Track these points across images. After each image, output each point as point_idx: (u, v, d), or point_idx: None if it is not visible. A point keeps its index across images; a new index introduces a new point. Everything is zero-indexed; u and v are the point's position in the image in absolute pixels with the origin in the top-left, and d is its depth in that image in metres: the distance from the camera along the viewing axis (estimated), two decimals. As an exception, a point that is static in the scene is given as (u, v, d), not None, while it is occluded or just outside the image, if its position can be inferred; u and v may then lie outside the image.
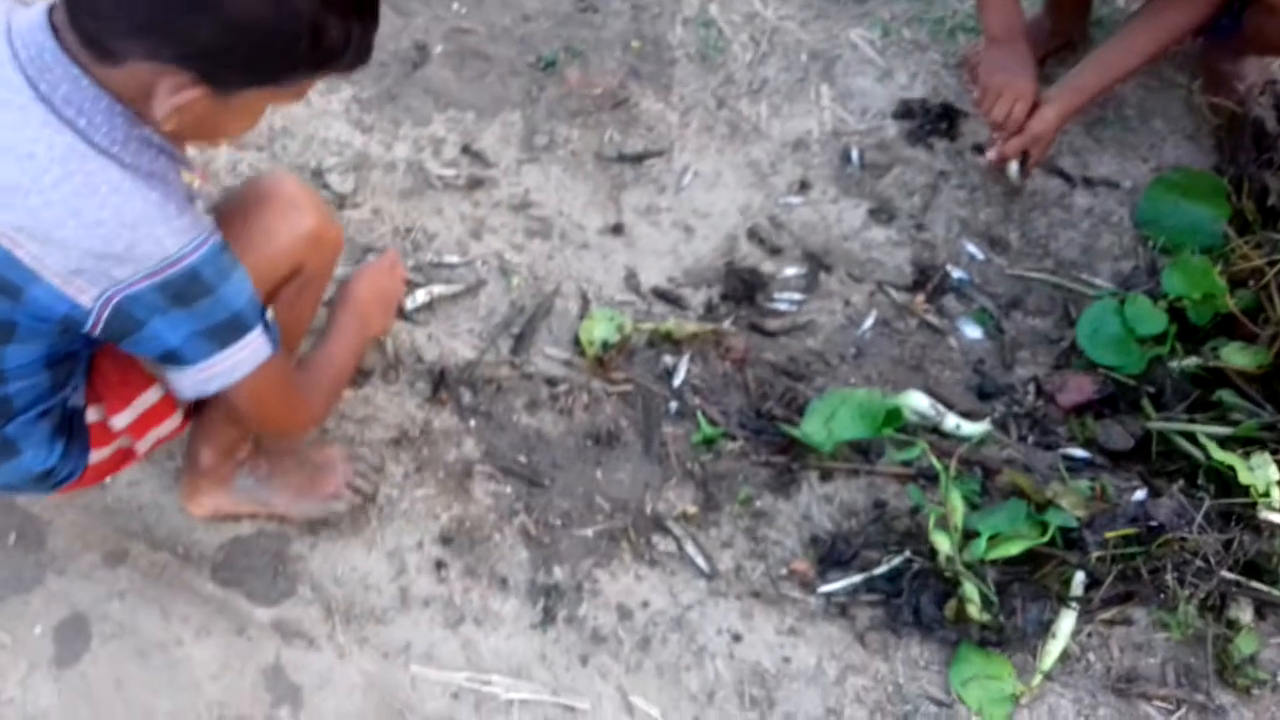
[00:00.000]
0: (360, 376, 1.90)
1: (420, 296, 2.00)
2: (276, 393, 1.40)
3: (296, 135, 2.25)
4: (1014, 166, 2.10)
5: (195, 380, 1.29)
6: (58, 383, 1.37)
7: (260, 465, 1.72)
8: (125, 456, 1.53)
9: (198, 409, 1.55)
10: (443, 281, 2.04)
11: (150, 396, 1.45)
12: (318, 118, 2.29)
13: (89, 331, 1.20)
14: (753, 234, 2.15)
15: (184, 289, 1.19)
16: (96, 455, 1.48)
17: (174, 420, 1.51)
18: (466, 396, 1.89)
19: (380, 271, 1.85)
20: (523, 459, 1.84)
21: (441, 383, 1.90)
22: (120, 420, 1.46)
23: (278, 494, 1.72)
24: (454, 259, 2.08)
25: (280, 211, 1.46)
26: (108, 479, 1.69)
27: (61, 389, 1.39)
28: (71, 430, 1.44)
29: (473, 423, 1.87)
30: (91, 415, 1.46)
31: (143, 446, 1.52)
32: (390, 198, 2.17)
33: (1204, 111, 2.19)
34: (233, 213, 1.42)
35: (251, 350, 1.29)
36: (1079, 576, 1.67)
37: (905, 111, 2.28)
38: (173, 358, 1.26)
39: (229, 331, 1.26)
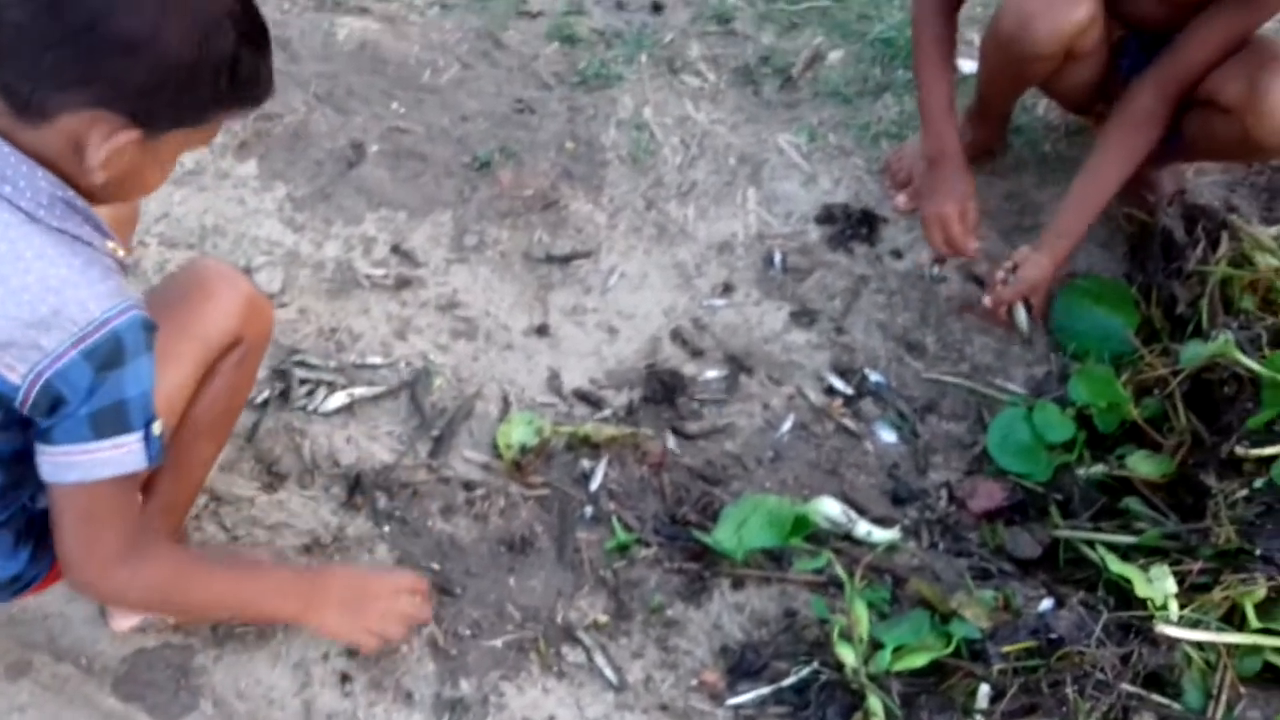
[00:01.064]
0: (275, 480, 1.90)
1: (340, 398, 2.01)
2: (115, 523, 1.32)
3: (228, 234, 2.28)
4: (1021, 316, 2.12)
5: (54, 463, 1.24)
6: (13, 482, 1.34)
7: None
8: None
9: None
10: (365, 383, 2.05)
11: None
12: (250, 216, 2.32)
13: (19, 409, 1.19)
14: (676, 336, 2.18)
15: (107, 356, 1.18)
16: None
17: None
18: (382, 501, 1.90)
19: (388, 583, 1.65)
20: (435, 566, 1.83)
21: (357, 487, 1.90)
22: None
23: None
24: (377, 360, 2.09)
25: (214, 285, 1.52)
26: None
27: (19, 489, 1.36)
28: (39, 535, 1.41)
29: (387, 529, 1.87)
30: None
31: None
32: (317, 297, 2.19)
33: (1118, 220, 2.25)
34: (167, 300, 1.46)
35: (126, 452, 1.25)
36: (984, 689, 1.67)
37: (828, 216, 2.33)
38: (46, 431, 1.23)
39: (110, 420, 1.22)
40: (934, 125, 2.09)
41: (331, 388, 2.02)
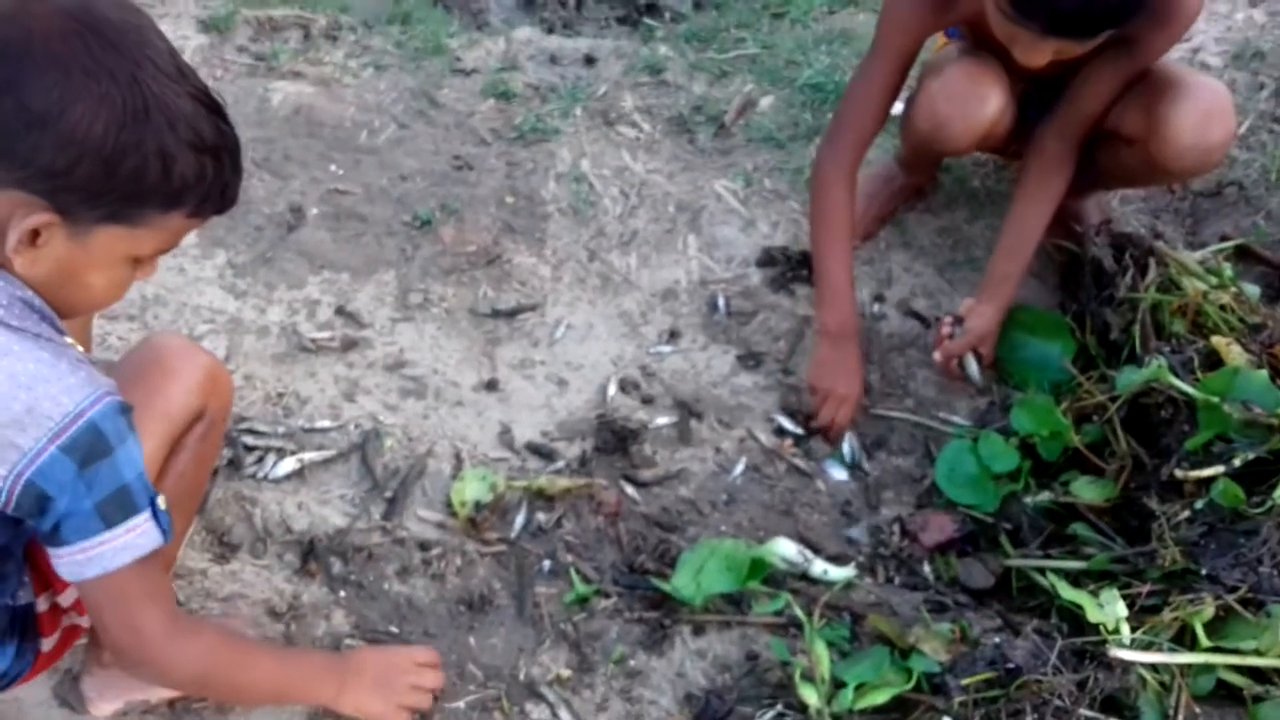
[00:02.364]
0: (228, 551, 1.88)
1: (290, 464, 1.99)
2: (152, 603, 1.32)
3: (169, 304, 2.26)
4: (973, 367, 2.15)
5: (72, 562, 1.24)
6: None
7: None
8: (72, 634, 1.50)
9: None
10: (314, 448, 2.03)
11: None
12: (191, 285, 2.30)
13: (2, 509, 1.18)
14: (625, 384, 2.20)
15: (88, 449, 1.17)
16: (48, 642, 1.44)
17: None
18: (337, 566, 1.88)
19: (406, 659, 1.68)
20: (394, 629, 1.82)
21: (311, 553, 1.88)
22: (68, 597, 1.43)
23: None
24: (326, 423, 2.08)
25: (173, 362, 1.51)
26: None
27: (2, 586, 1.35)
28: (23, 629, 1.39)
29: (343, 593, 1.85)
30: (41, 605, 1.42)
31: (88, 620, 1.47)
32: (263, 363, 2.17)
33: (1048, 251, 2.31)
34: (126, 380, 1.42)
35: (140, 534, 1.25)
36: (946, 721, 1.69)
37: (768, 259, 2.37)
38: (54, 534, 1.22)
39: (116, 507, 1.22)
40: (836, 300, 2.08)
41: (281, 454, 2.01)
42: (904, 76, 2.06)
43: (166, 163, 1.15)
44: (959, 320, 2.11)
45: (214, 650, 1.42)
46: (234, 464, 1.99)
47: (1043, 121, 2.07)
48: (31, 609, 1.41)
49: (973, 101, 2.02)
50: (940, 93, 2.04)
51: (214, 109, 1.21)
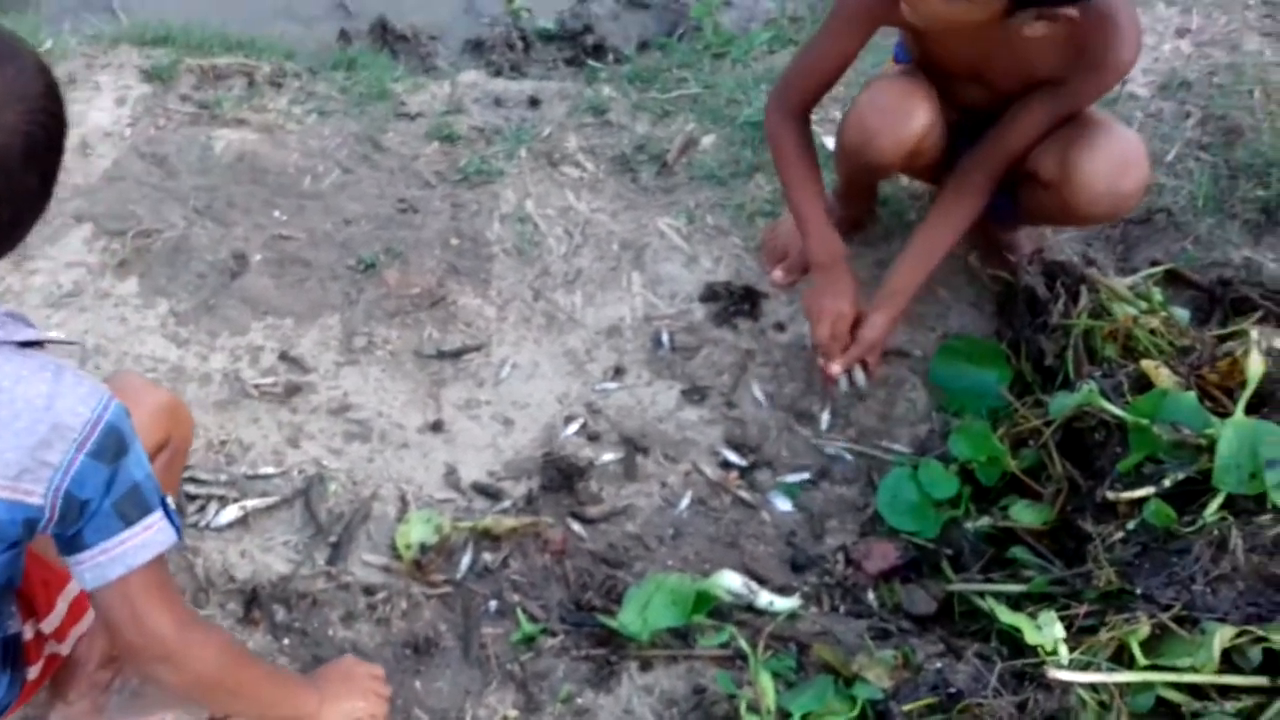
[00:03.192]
0: (169, 601, 1.86)
1: (233, 512, 1.98)
2: (167, 601, 1.34)
3: (110, 353, 2.25)
4: (859, 376, 2.19)
5: (94, 565, 1.27)
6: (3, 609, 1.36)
7: (131, 679, 1.67)
8: (52, 663, 1.51)
9: None
10: (257, 494, 2.03)
11: (72, 588, 1.47)
12: (132, 334, 2.29)
13: (44, 528, 1.23)
14: (571, 422, 2.21)
15: (114, 449, 1.23)
16: (33, 671, 1.46)
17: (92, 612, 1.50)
18: (280, 614, 1.87)
19: (351, 662, 1.75)
20: (339, 674, 1.81)
21: (254, 602, 1.87)
22: (50, 623, 1.46)
23: (157, 704, 1.67)
24: (269, 470, 2.07)
25: (137, 394, 1.53)
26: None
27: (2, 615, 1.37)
28: (14, 658, 1.41)
29: (287, 641, 1.84)
30: (27, 633, 1.44)
31: (66, 648, 1.51)
32: (205, 410, 2.16)
33: (984, 281, 2.35)
34: None
35: (157, 531, 1.29)
36: (891, 749, 1.70)
37: (711, 294, 2.39)
38: (75, 540, 1.25)
39: (132, 505, 1.26)
40: (818, 233, 2.13)
41: (223, 501, 2.00)
42: (852, 52, 2.07)
43: None
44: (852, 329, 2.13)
45: (225, 649, 1.44)
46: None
47: (969, 151, 2.11)
48: (19, 638, 1.43)
49: (900, 115, 2.05)
50: (869, 105, 2.08)
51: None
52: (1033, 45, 1.87)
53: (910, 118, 2.04)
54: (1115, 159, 1.98)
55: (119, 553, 1.27)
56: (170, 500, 1.34)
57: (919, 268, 2.15)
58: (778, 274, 2.38)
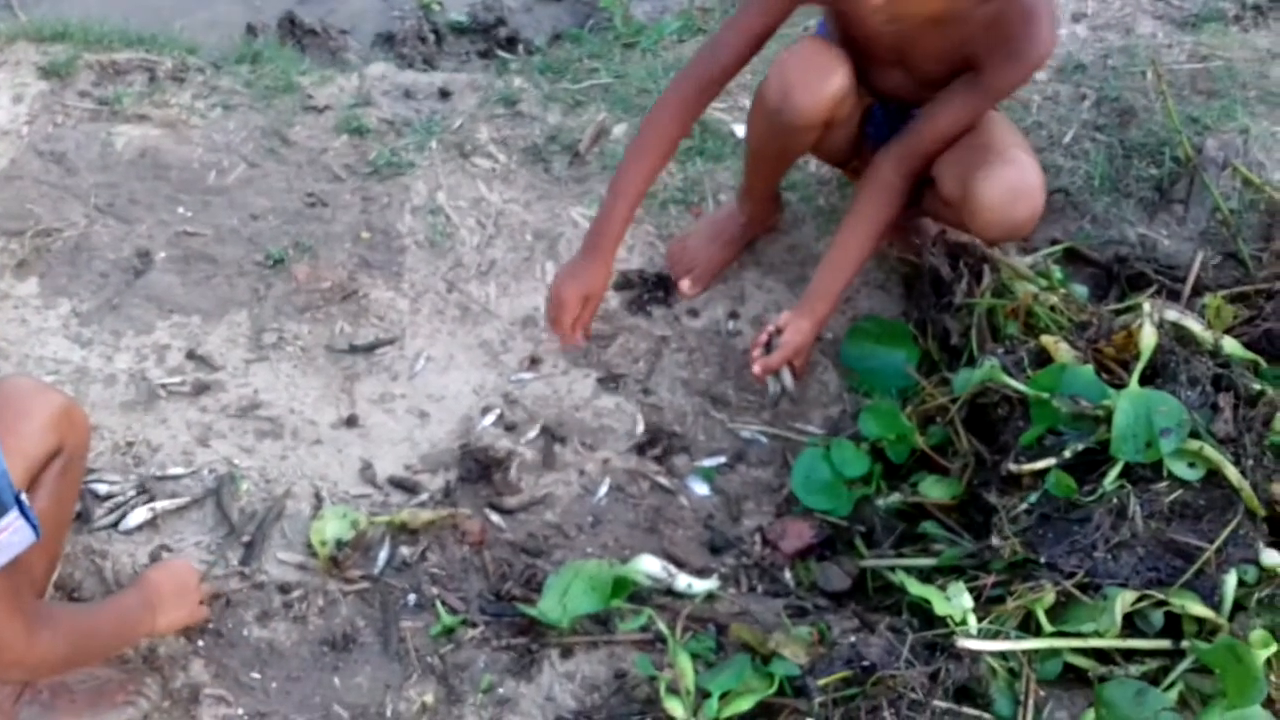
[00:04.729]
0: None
1: (142, 514, 1.94)
2: (16, 602, 1.34)
3: (10, 356, 2.20)
4: (787, 377, 2.20)
5: None
6: None
7: (40, 692, 1.65)
8: None
9: None
10: (167, 495, 1.99)
11: None
12: (33, 335, 2.24)
13: None
14: (487, 413, 2.20)
15: None
16: None
17: None
18: (193, 615, 1.84)
19: (183, 565, 1.80)
20: (255, 675, 1.79)
21: (165, 603, 1.84)
22: None
23: (69, 714, 1.65)
24: (179, 470, 2.04)
25: (25, 402, 1.54)
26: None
27: None
28: None
29: (200, 642, 1.81)
30: None
31: None
32: (111, 412, 2.12)
33: (892, 263, 2.39)
34: None
35: (13, 532, 1.26)
36: (810, 723, 1.73)
37: (625, 283, 2.40)
38: None
39: None
40: (605, 211, 2.09)
41: (132, 504, 1.96)
42: (770, 30, 2.06)
43: None
44: (779, 331, 2.16)
45: (69, 631, 1.49)
46: (83, 517, 1.94)
47: (884, 148, 2.15)
48: None
49: (820, 71, 2.05)
50: (790, 59, 2.07)
51: None
52: (962, 26, 1.89)
53: (829, 74, 2.04)
54: (1009, 187, 2.01)
55: None
56: (25, 496, 1.31)
57: (841, 272, 2.16)
58: (685, 284, 2.38)
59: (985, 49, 1.97)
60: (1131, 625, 1.72)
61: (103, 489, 1.99)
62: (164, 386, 2.16)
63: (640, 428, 2.19)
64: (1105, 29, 2.92)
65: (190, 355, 2.22)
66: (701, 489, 2.11)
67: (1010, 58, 1.97)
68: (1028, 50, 1.96)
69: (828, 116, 2.10)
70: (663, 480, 2.12)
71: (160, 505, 1.96)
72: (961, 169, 2.06)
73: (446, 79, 2.95)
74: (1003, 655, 1.72)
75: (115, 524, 1.94)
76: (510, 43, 3.37)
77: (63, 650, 1.49)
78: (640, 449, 2.16)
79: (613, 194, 2.09)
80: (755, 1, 2.07)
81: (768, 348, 2.16)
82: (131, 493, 1.98)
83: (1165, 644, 1.70)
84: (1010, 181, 2.02)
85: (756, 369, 2.16)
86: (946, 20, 1.86)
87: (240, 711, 1.75)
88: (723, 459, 2.16)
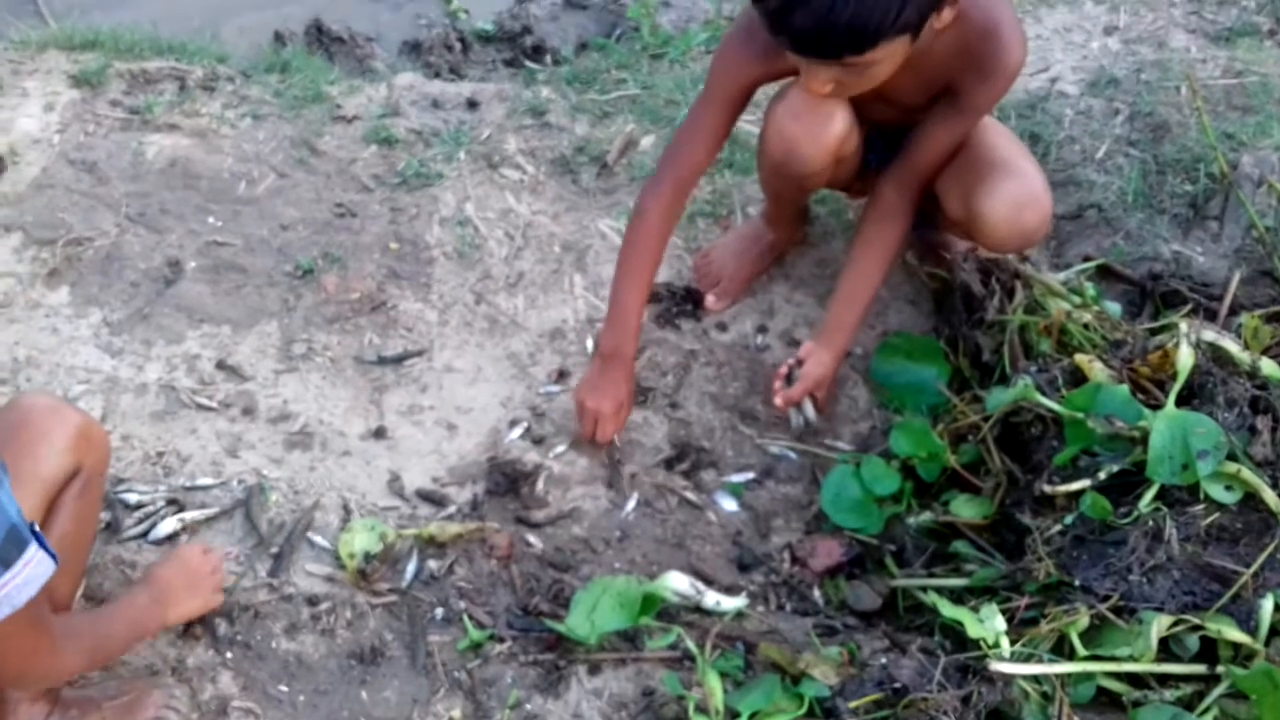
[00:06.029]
0: (107, 618, 1.83)
1: (171, 524, 1.95)
2: (42, 629, 1.36)
3: (42, 365, 2.21)
4: (809, 408, 2.17)
5: None
6: None
7: (70, 709, 1.66)
8: None
9: None
10: (196, 506, 2.00)
11: None
12: (65, 344, 2.25)
13: None
14: (515, 426, 2.20)
15: None
16: None
17: None
18: (222, 627, 1.84)
19: (192, 554, 1.80)
20: (283, 687, 1.79)
21: (195, 615, 1.84)
22: None
23: None
24: (208, 480, 2.04)
25: (42, 423, 1.53)
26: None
27: None
28: None
29: (229, 654, 1.81)
30: None
31: None
32: (141, 422, 2.13)
33: (921, 278, 2.38)
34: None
35: (36, 564, 1.27)
36: (839, 745, 1.71)
37: (653, 296, 2.39)
38: None
39: (11, 546, 1.24)
40: (618, 325, 2.10)
41: (161, 514, 1.96)
42: (731, 121, 2.07)
43: None
44: (800, 363, 2.14)
45: (89, 640, 1.53)
46: (112, 527, 1.95)
47: (883, 173, 2.14)
48: None
49: (818, 118, 2.03)
50: (786, 114, 2.06)
51: None
52: (929, 60, 1.87)
53: (829, 120, 2.03)
54: (1012, 200, 2.00)
55: (4, 595, 1.26)
56: (37, 525, 1.32)
57: (856, 301, 2.15)
58: (710, 299, 2.38)
59: (958, 73, 1.95)
60: (1166, 649, 1.69)
61: (133, 499, 1.99)
62: (193, 397, 2.16)
63: (668, 442, 2.18)
64: (1138, 43, 2.90)
65: (220, 365, 2.23)
66: (730, 505, 2.10)
67: (984, 77, 1.95)
68: (998, 66, 1.93)
69: (835, 158, 2.09)
70: (691, 496, 2.11)
71: (189, 515, 1.97)
72: (962, 189, 2.05)
73: (474, 89, 2.95)
74: (1036, 679, 1.70)
75: (145, 534, 1.95)
76: (536, 51, 3.38)
77: (83, 658, 1.54)
78: (668, 464, 2.15)
79: (619, 308, 2.09)
80: (709, 99, 2.05)
81: (789, 379, 2.15)
82: (161, 503, 1.98)
83: (1201, 669, 1.67)
84: (1012, 194, 2.00)
85: (778, 401, 2.14)
86: (911, 61, 1.84)
87: (268, 725, 1.75)
88: (751, 475, 2.15)
